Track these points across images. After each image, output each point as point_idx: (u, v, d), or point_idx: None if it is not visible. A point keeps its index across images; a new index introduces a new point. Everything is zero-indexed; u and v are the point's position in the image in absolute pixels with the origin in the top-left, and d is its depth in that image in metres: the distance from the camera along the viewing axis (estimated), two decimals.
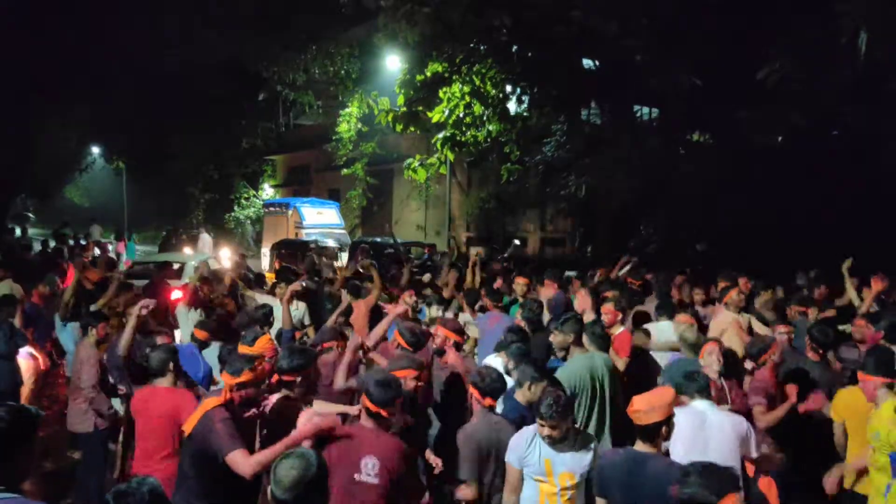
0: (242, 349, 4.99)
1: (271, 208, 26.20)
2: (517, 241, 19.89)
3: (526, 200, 22.47)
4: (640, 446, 3.75)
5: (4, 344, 6.81)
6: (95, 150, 37.78)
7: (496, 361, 5.71)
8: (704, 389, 4.64)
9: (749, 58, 13.11)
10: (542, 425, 4.00)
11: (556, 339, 5.81)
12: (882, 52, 11.20)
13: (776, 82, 12.21)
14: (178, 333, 7.99)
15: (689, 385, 4.67)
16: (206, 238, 25.44)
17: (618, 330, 6.77)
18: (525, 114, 18.85)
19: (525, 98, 18.38)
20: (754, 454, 4.55)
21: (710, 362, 5.36)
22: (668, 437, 3.82)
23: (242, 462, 3.84)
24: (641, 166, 16.56)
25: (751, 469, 4.91)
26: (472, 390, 4.67)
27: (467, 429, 4.45)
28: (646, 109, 20.77)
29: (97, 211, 40.35)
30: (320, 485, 2.90)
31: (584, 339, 5.74)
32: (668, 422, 3.71)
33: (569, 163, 18.90)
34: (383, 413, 3.86)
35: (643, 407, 3.69)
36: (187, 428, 4.12)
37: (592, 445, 4.13)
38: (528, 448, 4.02)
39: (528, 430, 4.06)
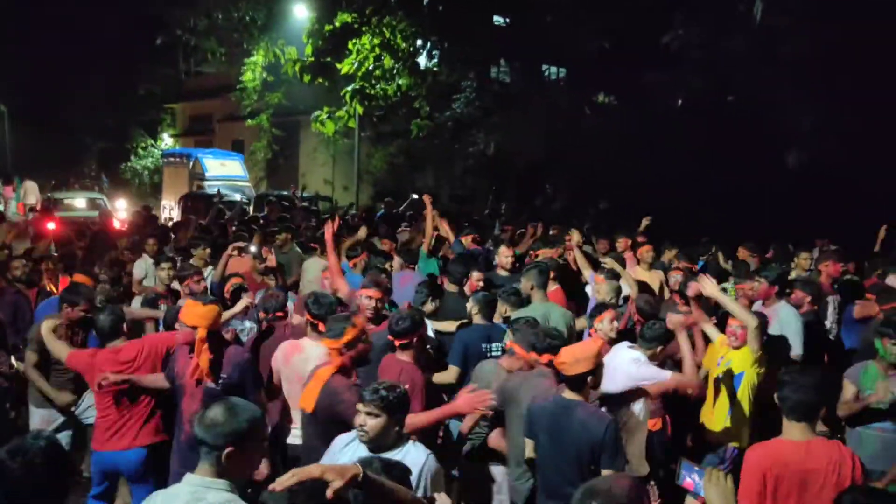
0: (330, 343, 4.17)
1: (171, 158, 25.23)
2: (415, 196, 19.66)
3: (434, 157, 22.50)
4: (567, 394, 3.91)
5: None
6: None
7: None
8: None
9: (654, 23, 13.47)
10: None
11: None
12: (776, 19, 11.70)
13: (679, 47, 12.62)
14: None
15: None
16: (29, 185, 22.79)
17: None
18: (435, 69, 18.75)
19: (435, 53, 18.27)
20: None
21: (605, 329, 5.22)
22: (595, 387, 3.99)
23: None
24: (548, 125, 16.85)
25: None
26: (519, 351, 4.53)
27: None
28: (553, 69, 21.05)
29: None
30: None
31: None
32: (595, 372, 3.88)
33: (478, 119, 19.01)
34: None
35: (569, 359, 3.84)
36: (308, 404, 3.88)
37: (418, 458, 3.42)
38: (341, 451, 3.53)
39: (347, 436, 3.62)
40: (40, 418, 5.50)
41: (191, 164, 22.87)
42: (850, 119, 11.87)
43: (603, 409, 4.31)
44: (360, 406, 3.29)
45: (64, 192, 23.71)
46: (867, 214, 9.93)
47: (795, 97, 12.18)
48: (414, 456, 3.26)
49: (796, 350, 5.86)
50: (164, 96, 34.47)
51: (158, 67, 33.45)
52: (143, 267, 8.14)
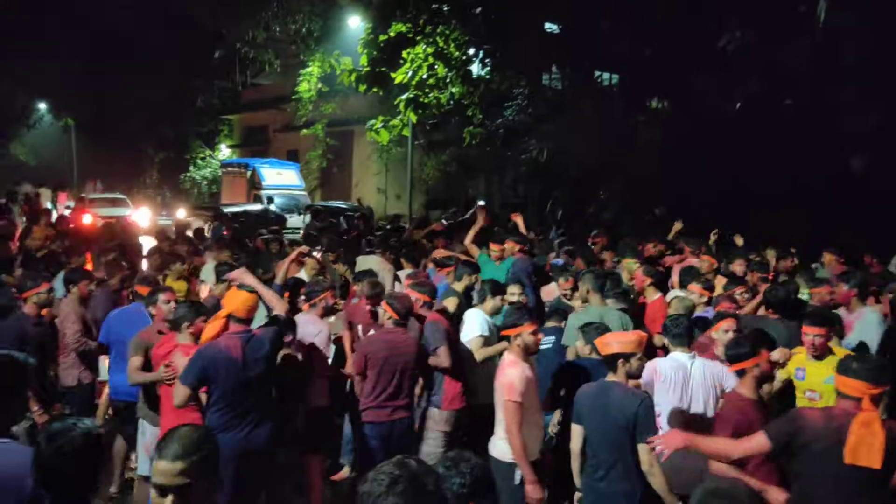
0: None
1: (230, 168, 25.83)
2: (481, 202, 19.84)
3: (487, 164, 22.56)
4: (609, 377, 4.18)
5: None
6: (42, 106, 36.59)
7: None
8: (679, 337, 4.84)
9: (709, 25, 13.29)
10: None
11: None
12: (839, 19, 11.43)
13: (735, 50, 12.44)
14: None
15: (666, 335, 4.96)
16: (42, 191, 23.57)
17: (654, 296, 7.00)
18: (487, 76, 18.86)
19: (488, 61, 18.37)
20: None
21: (723, 339, 5.17)
22: (637, 375, 4.23)
23: None
24: (601, 131, 16.76)
25: None
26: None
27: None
28: (606, 75, 20.93)
29: (44, 170, 39.20)
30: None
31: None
32: (629, 357, 4.11)
33: (530, 127, 19.01)
34: None
35: (607, 339, 4.25)
36: (874, 461, 3.38)
37: None
38: None
39: None
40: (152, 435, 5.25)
41: (248, 173, 23.39)
42: None
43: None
44: None
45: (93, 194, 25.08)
46: None
47: (859, 98, 11.86)
48: None
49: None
50: (221, 108, 35.31)
51: (216, 79, 34.32)
52: None
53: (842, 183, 12.86)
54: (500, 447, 4.45)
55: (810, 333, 4.82)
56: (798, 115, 13.73)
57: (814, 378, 4.80)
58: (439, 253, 8.47)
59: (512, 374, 4.35)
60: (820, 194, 12.97)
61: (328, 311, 5.88)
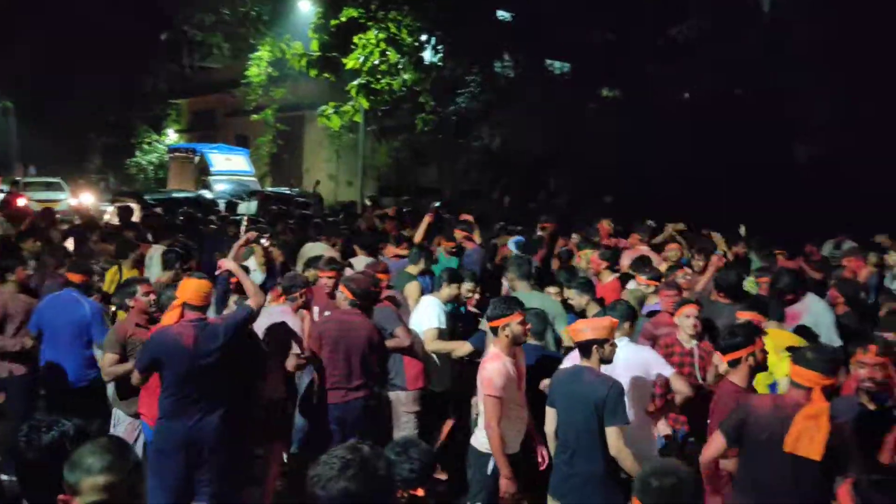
0: None
1: (177, 153, 25.28)
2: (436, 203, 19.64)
3: (439, 151, 22.55)
4: (582, 362, 4.22)
5: None
6: None
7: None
8: None
9: (660, 17, 13.48)
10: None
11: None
12: (787, 11, 11.69)
13: (685, 41, 12.65)
14: None
15: None
16: None
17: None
18: (440, 63, 18.83)
19: (440, 48, 18.33)
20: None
21: (685, 325, 5.29)
22: (605, 360, 4.19)
23: None
24: (552, 120, 16.91)
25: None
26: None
27: None
28: (558, 64, 21.09)
29: None
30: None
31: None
32: (603, 343, 4.14)
33: (482, 114, 19.07)
34: None
35: (578, 326, 4.25)
36: (814, 452, 3.42)
37: None
38: None
39: None
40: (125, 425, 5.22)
41: (197, 158, 22.94)
42: (866, 109, 11.76)
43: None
44: None
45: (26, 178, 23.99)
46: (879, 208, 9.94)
47: (808, 88, 12.14)
48: None
49: (835, 342, 5.58)
50: (169, 92, 34.48)
51: (163, 63, 33.46)
52: None
53: (788, 171, 13.21)
54: (479, 437, 4.51)
55: (741, 319, 4.96)
56: (748, 104, 14.05)
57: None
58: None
59: (491, 370, 4.34)
60: (767, 182, 13.30)
61: (304, 306, 5.77)
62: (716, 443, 3.74)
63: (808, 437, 3.36)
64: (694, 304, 5.35)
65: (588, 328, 4.19)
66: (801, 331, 5.36)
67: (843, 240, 9.64)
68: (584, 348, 4.17)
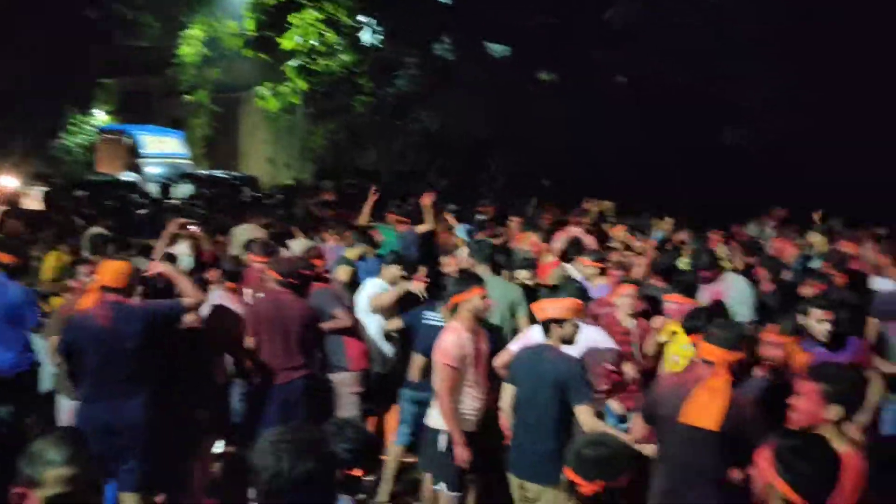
0: None
1: (107, 135, 24.48)
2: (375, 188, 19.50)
3: (376, 134, 22.38)
4: (546, 340, 4.27)
5: None
6: None
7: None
8: None
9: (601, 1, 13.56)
10: None
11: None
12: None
13: (622, 24, 12.80)
14: None
15: None
16: None
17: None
18: (378, 45, 18.67)
19: (379, 29, 18.17)
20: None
21: (623, 304, 5.39)
22: (570, 341, 4.25)
23: None
24: (491, 102, 16.97)
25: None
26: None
27: None
28: (498, 47, 21.12)
29: None
30: None
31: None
32: (562, 322, 4.19)
33: (420, 96, 19.01)
34: None
35: (542, 305, 4.37)
36: (709, 422, 3.44)
37: None
38: None
39: None
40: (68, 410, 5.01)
41: (128, 140, 22.26)
42: (806, 94, 12.02)
43: None
44: None
45: None
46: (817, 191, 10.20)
47: (754, 75, 12.37)
48: None
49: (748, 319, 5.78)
50: (97, 71, 33.23)
51: (90, 40, 32.23)
52: None
53: (719, 154, 13.52)
54: (432, 415, 4.52)
55: (668, 301, 5.30)
56: (692, 91, 14.27)
57: (679, 342, 5.07)
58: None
59: (447, 340, 4.37)
60: (701, 166, 13.60)
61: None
62: (637, 424, 3.91)
63: (703, 407, 3.43)
64: (633, 285, 5.52)
65: (549, 307, 4.28)
66: (715, 307, 5.53)
67: (766, 219, 9.93)
68: (545, 327, 4.25)
